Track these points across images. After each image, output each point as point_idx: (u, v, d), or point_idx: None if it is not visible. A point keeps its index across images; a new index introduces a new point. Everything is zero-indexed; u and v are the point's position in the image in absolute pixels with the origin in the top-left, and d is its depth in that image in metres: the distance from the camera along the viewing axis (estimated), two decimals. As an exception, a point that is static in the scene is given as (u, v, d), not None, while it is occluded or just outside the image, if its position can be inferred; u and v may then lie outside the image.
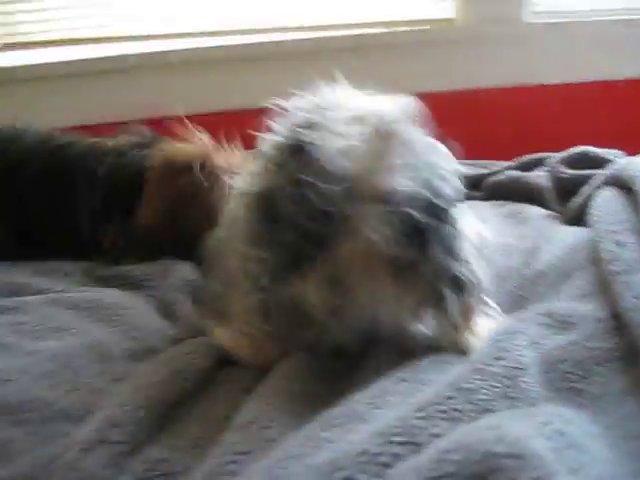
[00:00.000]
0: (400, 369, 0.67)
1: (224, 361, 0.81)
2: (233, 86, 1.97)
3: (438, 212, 0.69)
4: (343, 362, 0.75)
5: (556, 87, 1.94)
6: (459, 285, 0.71)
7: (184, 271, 1.11)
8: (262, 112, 0.75)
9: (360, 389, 0.63)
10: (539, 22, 1.99)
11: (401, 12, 2.05)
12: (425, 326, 0.76)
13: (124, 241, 1.16)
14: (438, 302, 0.72)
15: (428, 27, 2.04)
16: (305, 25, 2.03)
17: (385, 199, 0.67)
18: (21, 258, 1.14)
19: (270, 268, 0.71)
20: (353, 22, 2.04)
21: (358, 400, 0.59)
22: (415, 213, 0.67)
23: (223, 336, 0.83)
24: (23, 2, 2.11)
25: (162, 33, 2.07)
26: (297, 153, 0.70)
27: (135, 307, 0.98)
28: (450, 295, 0.71)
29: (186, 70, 1.97)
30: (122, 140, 1.24)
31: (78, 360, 0.78)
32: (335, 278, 0.69)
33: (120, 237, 1.16)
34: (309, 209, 0.67)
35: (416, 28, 2.04)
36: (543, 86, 1.94)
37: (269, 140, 0.74)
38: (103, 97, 2.02)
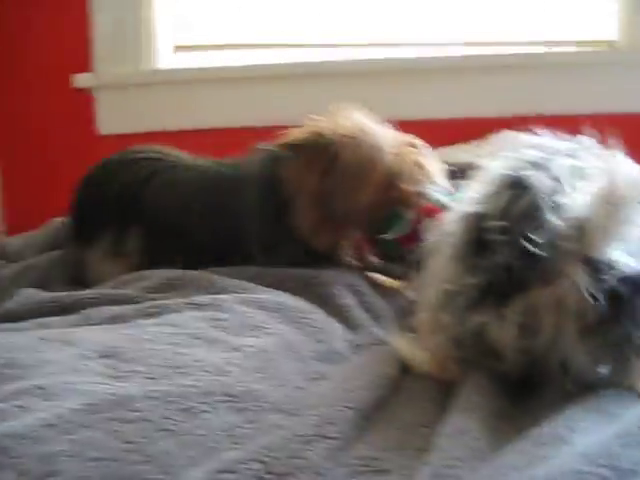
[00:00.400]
0: (584, 400, 0.71)
1: (405, 369, 0.88)
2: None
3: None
4: (520, 385, 0.80)
5: None
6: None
7: (351, 277, 1.19)
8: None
9: (546, 414, 0.68)
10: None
11: (563, 32, 2.06)
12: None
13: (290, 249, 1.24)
14: (620, 362, 0.75)
15: (590, 48, 2.04)
16: (468, 41, 2.08)
17: (595, 263, 0.71)
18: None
19: (469, 293, 0.76)
20: (514, 40, 2.07)
21: (557, 424, 0.64)
22: (619, 285, 0.71)
23: (405, 348, 0.90)
24: (194, 6, 2.24)
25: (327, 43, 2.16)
26: (516, 188, 0.75)
27: (314, 310, 1.05)
28: (633, 359, 0.74)
29: (353, 79, 2.05)
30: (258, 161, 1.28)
31: (278, 358, 0.86)
32: (526, 319, 0.74)
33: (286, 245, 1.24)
34: (515, 246, 0.72)
35: (578, 49, 2.05)
36: None
37: (494, 166, 0.80)
38: (269, 100, 2.13)
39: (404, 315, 1.10)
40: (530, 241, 0.71)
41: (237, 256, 1.23)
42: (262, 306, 1.02)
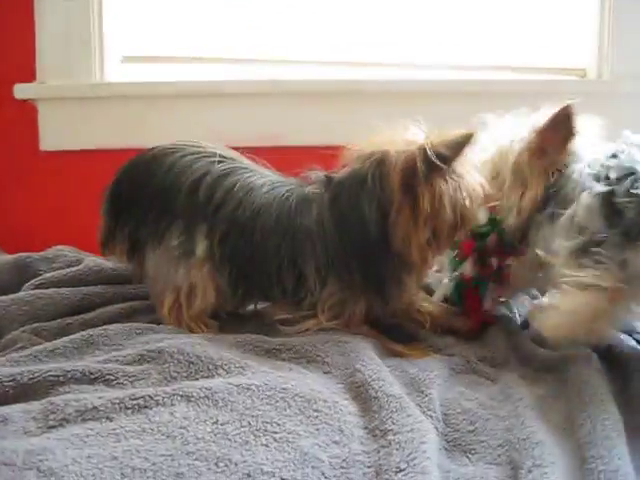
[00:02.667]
0: None
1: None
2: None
3: None
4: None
5: None
6: None
7: (364, 347, 1.10)
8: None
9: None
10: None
11: (537, 59, 2.01)
12: None
13: None
14: None
15: (561, 76, 2.00)
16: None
17: None
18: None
19: (615, 237, 1.06)
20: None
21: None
22: None
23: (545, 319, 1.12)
24: (144, 16, 2.08)
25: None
26: (634, 175, 1.08)
27: (322, 395, 0.94)
28: None
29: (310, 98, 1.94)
30: (316, 186, 1.25)
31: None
32: None
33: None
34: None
35: (547, 77, 2.00)
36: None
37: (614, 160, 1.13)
38: (222, 119, 1.99)
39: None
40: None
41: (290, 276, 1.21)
42: (263, 396, 0.90)
